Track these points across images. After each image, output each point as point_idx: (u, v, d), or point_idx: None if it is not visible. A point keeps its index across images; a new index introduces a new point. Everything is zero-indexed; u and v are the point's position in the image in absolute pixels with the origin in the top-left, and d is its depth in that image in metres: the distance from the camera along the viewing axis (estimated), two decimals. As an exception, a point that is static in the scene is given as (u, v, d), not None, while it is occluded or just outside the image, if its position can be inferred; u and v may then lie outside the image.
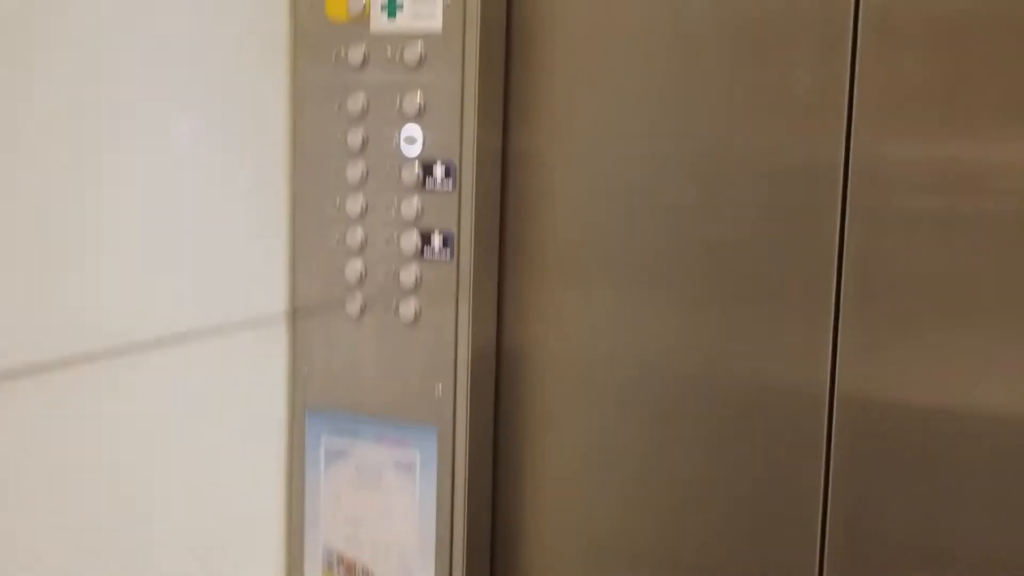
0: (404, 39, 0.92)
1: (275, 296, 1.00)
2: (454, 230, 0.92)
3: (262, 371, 1.00)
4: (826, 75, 0.85)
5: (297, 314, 1.00)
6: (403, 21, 0.92)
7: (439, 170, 0.92)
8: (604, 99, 0.94)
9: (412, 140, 0.93)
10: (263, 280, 0.99)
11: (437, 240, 0.93)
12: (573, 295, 0.97)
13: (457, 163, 0.92)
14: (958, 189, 0.82)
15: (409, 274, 0.93)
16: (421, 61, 0.91)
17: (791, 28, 0.86)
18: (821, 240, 0.86)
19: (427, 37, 0.91)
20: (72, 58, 0.76)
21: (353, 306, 0.96)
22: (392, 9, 0.92)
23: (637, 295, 0.94)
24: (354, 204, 0.95)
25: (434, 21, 0.91)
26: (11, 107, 0.72)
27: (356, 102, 0.94)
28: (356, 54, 0.94)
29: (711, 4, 0.88)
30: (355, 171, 0.95)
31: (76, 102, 0.77)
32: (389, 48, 0.93)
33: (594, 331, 0.97)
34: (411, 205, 0.93)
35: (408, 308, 0.94)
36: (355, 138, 0.95)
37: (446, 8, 0.90)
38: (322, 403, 1.00)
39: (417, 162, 0.93)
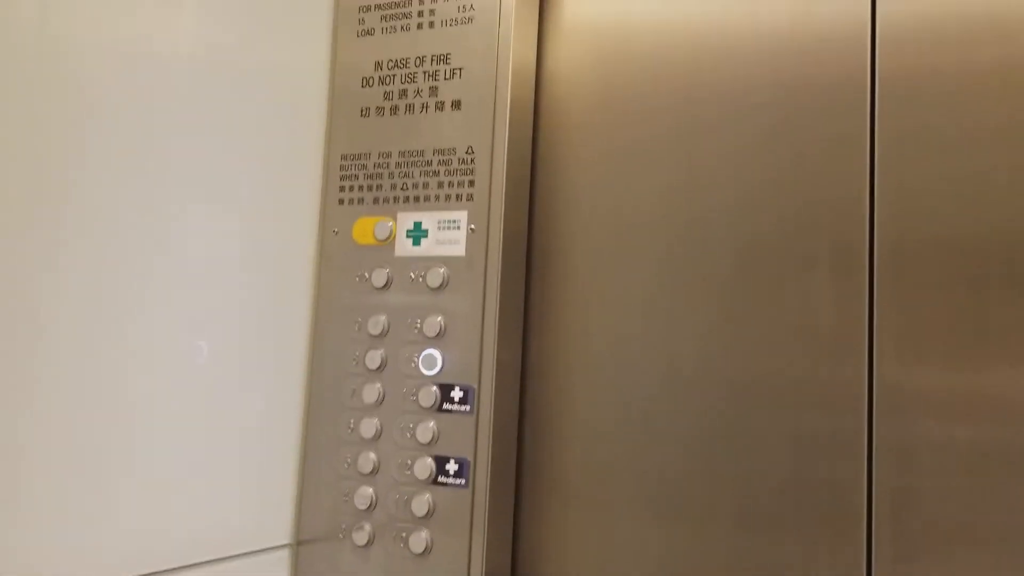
0: (428, 263, 0.93)
1: (280, 526, 0.95)
2: (470, 457, 0.89)
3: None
4: (844, 305, 0.84)
5: (301, 545, 0.95)
6: (427, 247, 0.94)
7: (457, 393, 0.90)
8: (621, 317, 0.94)
9: (431, 362, 0.92)
10: (271, 509, 0.94)
11: (452, 467, 0.89)
12: (591, 520, 0.92)
13: (476, 386, 0.90)
14: (985, 419, 0.80)
15: (422, 503, 0.89)
16: (443, 285, 0.92)
17: (809, 259, 0.87)
18: (848, 474, 0.82)
19: (450, 261, 0.93)
20: (83, 294, 0.77)
21: (361, 536, 0.91)
22: (417, 238, 0.94)
23: (656, 524, 0.89)
24: (368, 427, 0.93)
25: (457, 247, 0.93)
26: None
27: (377, 324, 0.94)
28: (380, 277, 0.95)
29: (727, 232, 0.90)
30: (371, 392, 0.93)
31: (100, 328, 0.77)
32: (412, 272, 0.94)
33: (612, 560, 0.90)
34: (427, 428, 0.91)
35: (419, 539, 0.89)
36: (374, 359, 0.94)
37: (470, 234, 0.92)
38: (322, 641, 0.92)
39: (435, 385, 0.91)
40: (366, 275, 0.96)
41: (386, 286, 0.95)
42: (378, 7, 1.00)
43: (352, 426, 0.94)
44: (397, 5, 0.99)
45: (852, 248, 0.85)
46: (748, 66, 0.91)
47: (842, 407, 0.83)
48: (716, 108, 0.92)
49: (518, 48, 0.95)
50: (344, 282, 0.97)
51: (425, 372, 0.92)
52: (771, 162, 0.89)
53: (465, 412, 0.90)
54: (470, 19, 0.96)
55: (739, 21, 0.92)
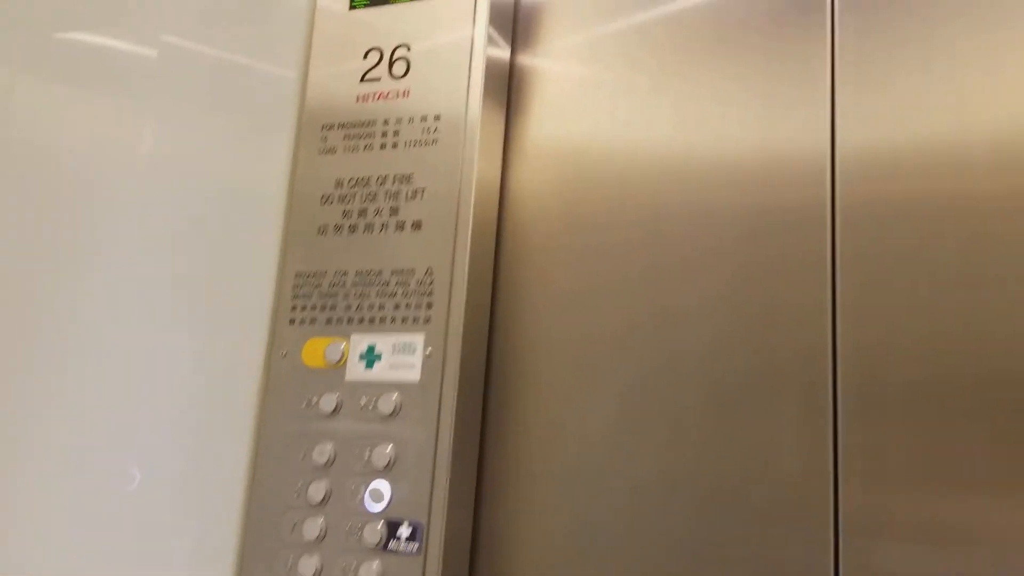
0: (380, 389, 0.88)
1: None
2: (416, 603, 0.81)
3: None
4: (810, 441, 0.81)
5: None
6: (380, 371, 0.89)
7: (405, 530, 0.84)
8: (582, 453, 0.89)
9: (378, 496, 0.85)
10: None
11: (396, 614, 0.82)
12: None
13: (425, 523, 0.84)
14: (950, 549, 0.76)
15: (360, 655, 0.81)
16: (395, 412, 0.87)
17: (775, 394, 0.84)
18: None
19: (404, 387, 0.88)
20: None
21: None
22: (370, 362, 0.90)
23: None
24: (308, 566, 0.85)
25: (412, 372, 0.88)
26: None
27: (323, 453, 0.88)
28: (329, 402, 0.90)
29: (692, 370, 0.87)
30: (313, 528, 0.86)
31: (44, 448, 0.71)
32: (364, 397, 0.89)
33: None
34: (371, 569, 0.83)
35: None
36: (318, 491, 0.87)
37: (426, 359, 0.88)
38: None
39: (382, 521, 0.85)
40: (314, 400, 0.91)
41: (335, 412, 0.89)
42: (342, 126, 0.99)
43: (290, 565, 0.86)
44: (362, 124, 0.98)
45: (817, 383, 0.82)
46: (713, 194, 0.91)
47: (808, 537, 0.79)
48: (681, 238, 0.90)
49: (482, 168, 0.94)
50: (290, 407, 0.92)
51: (372, 506, 0.85)
52: (736, 298, 0.87)
53: (412, 553, 0.83)
54: (434, 140, 0.95)
55: (704, 149, 0.92)
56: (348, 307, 0.93)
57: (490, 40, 0.97)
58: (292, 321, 0.95)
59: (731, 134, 0.91)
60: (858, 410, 0.81)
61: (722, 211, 0.90)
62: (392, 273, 0.92)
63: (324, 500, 0.87)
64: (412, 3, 0.99)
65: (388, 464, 0.86)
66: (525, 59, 1.03)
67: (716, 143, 0.92)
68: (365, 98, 0.98)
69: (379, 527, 0.84)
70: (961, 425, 0.78)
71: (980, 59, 0.84)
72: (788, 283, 0.85)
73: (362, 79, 0.99)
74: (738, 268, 0.88)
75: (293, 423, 0.91)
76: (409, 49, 0.98)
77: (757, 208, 0.88)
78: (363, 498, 0.86)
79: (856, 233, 0.84)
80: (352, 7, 1.02)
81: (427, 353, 0.88)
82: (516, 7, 1.04)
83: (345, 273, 0.94)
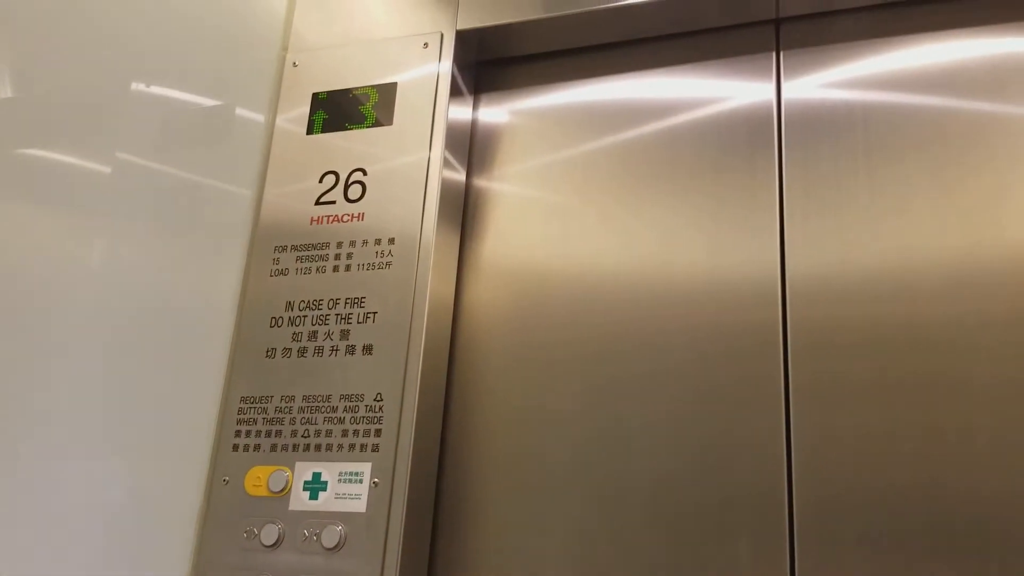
0: (324, 520, 0.85)
1: None
2: None
3: None
4: (766, 568, 0.80)
5: None
6: (325, 501, 0.86)
7: (346, 675, 0.80)
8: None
9: (319, 637, 0.81)
10: None
11: None
12: None
13: (368, 666, 0.80)
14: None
15: None
16: (339, 545, 0.84)
17: (729, 522, 0.82)
18: None
19: (349, 518, 0.85)
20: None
21: None
22: (315, 491, 0.87)
23: None
24: None
25: (358, 503, 0.85)
26: None
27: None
28: (270, 533, 0.86)
29: (644, 499, 0.85)
30: (247, 672, 0.81)
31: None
32: (307, 529, 0.86)
33: None
34: None
35: None
36: (255, 630, 0.83)
37: (372, 488, 0.86)
38: None
39: (321, 665, 0.80)
40: (255, 531, 0.87)
41: (276, 544, 0.86)
42: (295, 247, 0.98)
43: None
44: (315, 247, 0.98)
45: (772, 517, 0.81)
46: (664, 315, 0.91)
47: None
48: (633, 358, 0.91)
49: (436, 288, 0.94)
50: (230, 537, 0.88)
51: (311, 649, 0.81)
52: (690, 421, 0.87)
53: None
54: (388, 263, 0.95)
55: (655, 272, 0.93)
56: (294, 433, 0.90)
57: (446, 163, 0.99)
58: (235, 447, 0.92)
59: (681, 258, 0.93)
60: (812, 532, 0.80)
61: (674, 332, 0.90)
62: (341, 398, 0.90)
63: (261, 641, 0.83)
64: (369, 129, 1.01)
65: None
66: (480, 182, 1.05)
67: (665, 267, 0.93)
68: (319, 220, 0.99)
69: (318, 672, 0.80)
70: (916, 566, 0.77)
71: (926, 189, 0.88)
72: (741, 407, 0.86)
73: (317, 201, 1.00)
74: (690, 389, 0.88)
75: (233, 555, 0.87)
76: (365, 173, 0.99)
77: (708, 331, 0.89)
78: (303, 639, 0.82)
79: (809, 357, 0.85)
80: (310, 132, 1.03)
81: (374, 483, 0.86)
82: (472, 133, 1.07)
83: (292, 398, 0.92)
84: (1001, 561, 0.75)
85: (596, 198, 0.98)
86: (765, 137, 0.95)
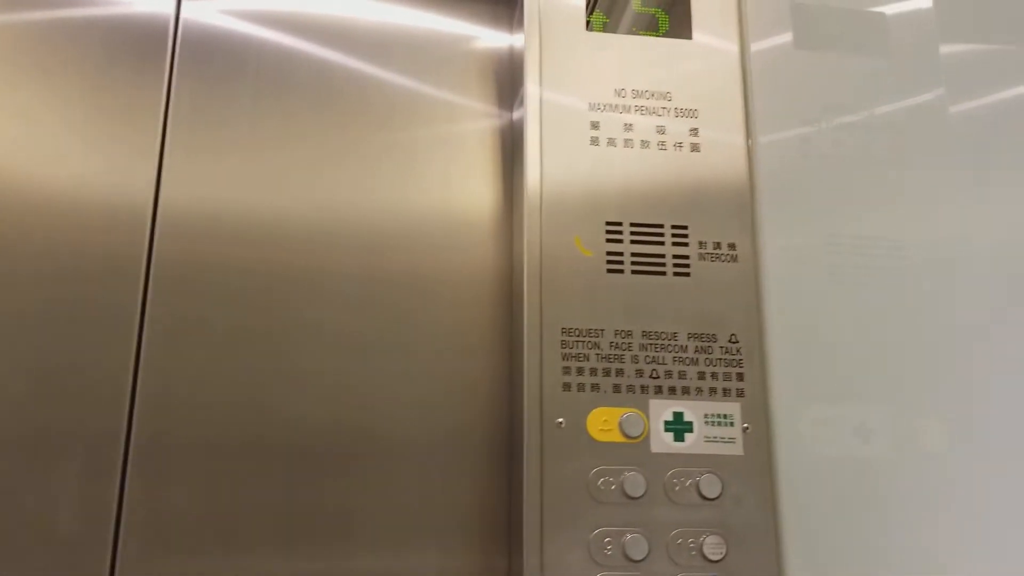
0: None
1: None
2: None
3: None
4: (92, 502, 0.79)
5: None
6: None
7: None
8: None
9: (723, 592, 0.75)
10: None
11: None
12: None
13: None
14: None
15: None
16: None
17: (60, 449, 0.80)
18: None
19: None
20: None
21: None
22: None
23: None
24: None
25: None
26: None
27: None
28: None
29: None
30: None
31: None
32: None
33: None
34: None
35: None
36: (638, 591, 0.74)
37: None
38: None
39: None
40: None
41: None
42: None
43: None
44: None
45: (108, 440, 0.80)
46: (24, 227, 0.84)
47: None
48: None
49: None
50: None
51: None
52: (32, 348, 0.81)
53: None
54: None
55: (22, 175, 0.85)
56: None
57: None
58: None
59: (60, 169, 0.86)
60: (146, 470, 0.80)
61: (30, 246, 0.84)
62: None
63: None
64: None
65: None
66: None
67: (51, 179, 0.86)
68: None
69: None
70: (245, 488, 0.81)
71: (310, 139, 0.91)
72: (94, 336, 0.82)
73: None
74: (44, 311, 0.82)
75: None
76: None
77: (71, 249, 0.84)
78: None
79: (170, 293, 0.84)
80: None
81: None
82: None
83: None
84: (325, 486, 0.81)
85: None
86: (158, 55, 0.91)
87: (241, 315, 0.83)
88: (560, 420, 0.78)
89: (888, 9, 0.94)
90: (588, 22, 0.91)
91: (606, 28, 0.91)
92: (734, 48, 0.92)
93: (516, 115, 0.94)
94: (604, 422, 0.79)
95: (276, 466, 0.81)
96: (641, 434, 0.79)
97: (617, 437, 0.79)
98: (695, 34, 0.92)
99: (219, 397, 0.82)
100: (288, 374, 0.83)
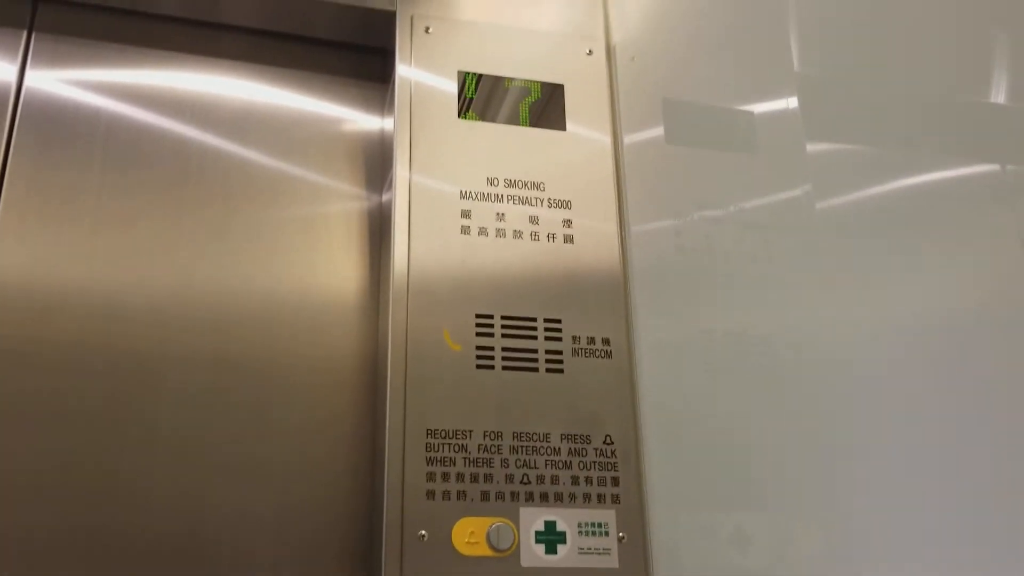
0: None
1: None
2: None
3: None
4: None
5: None
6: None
7: None
8: None
9: None
10: None
11: None
12: None
13: None
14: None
15: None
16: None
17: None
18: None
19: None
20: None
21: None
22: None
23: None
24: None
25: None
26: None
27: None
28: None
29: None
30: None
31: None
32: (548, 593, 0.72)
33: None
34: None
35: None
36: None
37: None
38: None
39: None
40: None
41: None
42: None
43: None
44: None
45: None
46: None
47: None
48: None
49: None
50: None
51: None
52: None
53: None
54: None
55: None
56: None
57: None
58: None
59: None
60: None
61: None
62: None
63: None
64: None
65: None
66: None
67: None
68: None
69: None
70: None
71: (155, 213, 0.87)
72: None
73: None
74: None
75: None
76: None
77: None
78: None
79: None
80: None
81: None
82: None
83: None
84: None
85: None
86: (-3, 122, 0.87)
87: (68, 392, 0.78)
88: (423, 532, 0.72)
89: (756, 108, 0.95)
90: (460, 110, 0.88)
91: (480, 117, 0.89)
92: (607, 140, 0.91)
93: (385, 198, 0.90)
94: (471, 534, 0.73)
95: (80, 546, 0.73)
96: (511, 547, 0.73)
97: (485, 551, 0.73)
98: (569, 125, 0.91)
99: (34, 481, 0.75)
100: (117, 477, 0.76)
